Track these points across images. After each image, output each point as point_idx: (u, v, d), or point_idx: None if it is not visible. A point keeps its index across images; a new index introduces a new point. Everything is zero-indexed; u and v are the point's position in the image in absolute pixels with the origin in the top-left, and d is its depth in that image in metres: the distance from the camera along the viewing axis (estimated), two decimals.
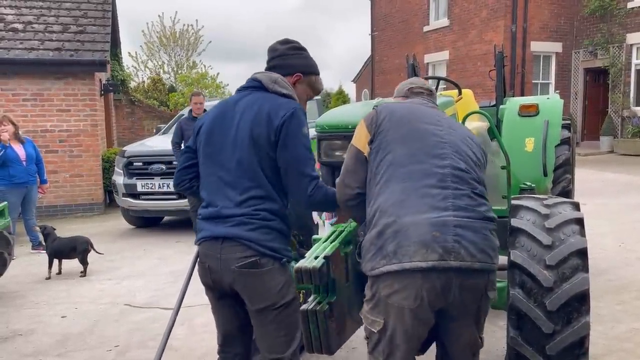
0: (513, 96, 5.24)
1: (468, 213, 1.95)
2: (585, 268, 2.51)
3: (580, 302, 2.48)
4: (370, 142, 2.13)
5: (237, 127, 2.22)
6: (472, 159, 2.11)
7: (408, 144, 2.04)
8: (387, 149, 2.05)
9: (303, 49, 2.44)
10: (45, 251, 6.02)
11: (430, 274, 1.86)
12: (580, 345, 2.49)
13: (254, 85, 2.32)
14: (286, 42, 2.43)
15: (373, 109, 2.23)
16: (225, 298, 2.29)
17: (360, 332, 3.02)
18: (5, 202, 5.43)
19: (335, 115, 3.29)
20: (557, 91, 17.07)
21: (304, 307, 2.53)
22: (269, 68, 2.39)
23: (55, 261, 5.87)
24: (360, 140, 2.18)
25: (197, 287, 5.51)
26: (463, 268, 1.88)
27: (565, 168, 4.58)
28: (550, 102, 4.46)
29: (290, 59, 2.37)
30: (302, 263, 2.50)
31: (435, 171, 1.98)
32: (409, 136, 2.07)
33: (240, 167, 2.18)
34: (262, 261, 2.14)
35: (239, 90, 2.39)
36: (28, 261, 6.50)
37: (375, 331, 2.01)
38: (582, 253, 2.53)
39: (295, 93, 2.32)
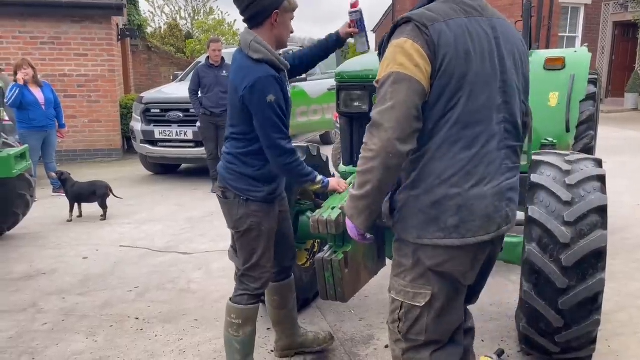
0: (538, 49, 5.07)
1: (514, 172, 1.81)
2: (604, 225, 2.49)
3: (597, 259, 2.47)
4: (431, 77, 1.63)
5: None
6: (520, 98, 1.83)
7: (473, 97, 1.66)
8: (451, 102, 1.65)
9: None
10: (65, 195, 6.15)
11: (487, 243, 1.80)
12: (594, 301, 2.50)
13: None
14: None
15: (415, 24, 1.66)
16: None
17: (373, 282, 3.08)
18: (27, 145, 5.50)
19: (355, 65, 3.22)
20: (586, 44, 16.46)
21: (319, 255, 2.57)
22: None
23: (76, 205, 6.01)
24: (417, 69, 1.61)
25: (214, 233, 5.60)
26: (509, 229, 1.85)
27: (588, 124, 4.48)
28: (578, 55, 4.31)
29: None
30: (319, 213, 2.53)
31: (496, 131, 1.73)
32: (475, 84, 1.66)
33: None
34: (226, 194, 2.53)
35: None
36: (49, 204, 6.65)
37: (420, 305, 1.80)
38: (602, 210, 2.50)
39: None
